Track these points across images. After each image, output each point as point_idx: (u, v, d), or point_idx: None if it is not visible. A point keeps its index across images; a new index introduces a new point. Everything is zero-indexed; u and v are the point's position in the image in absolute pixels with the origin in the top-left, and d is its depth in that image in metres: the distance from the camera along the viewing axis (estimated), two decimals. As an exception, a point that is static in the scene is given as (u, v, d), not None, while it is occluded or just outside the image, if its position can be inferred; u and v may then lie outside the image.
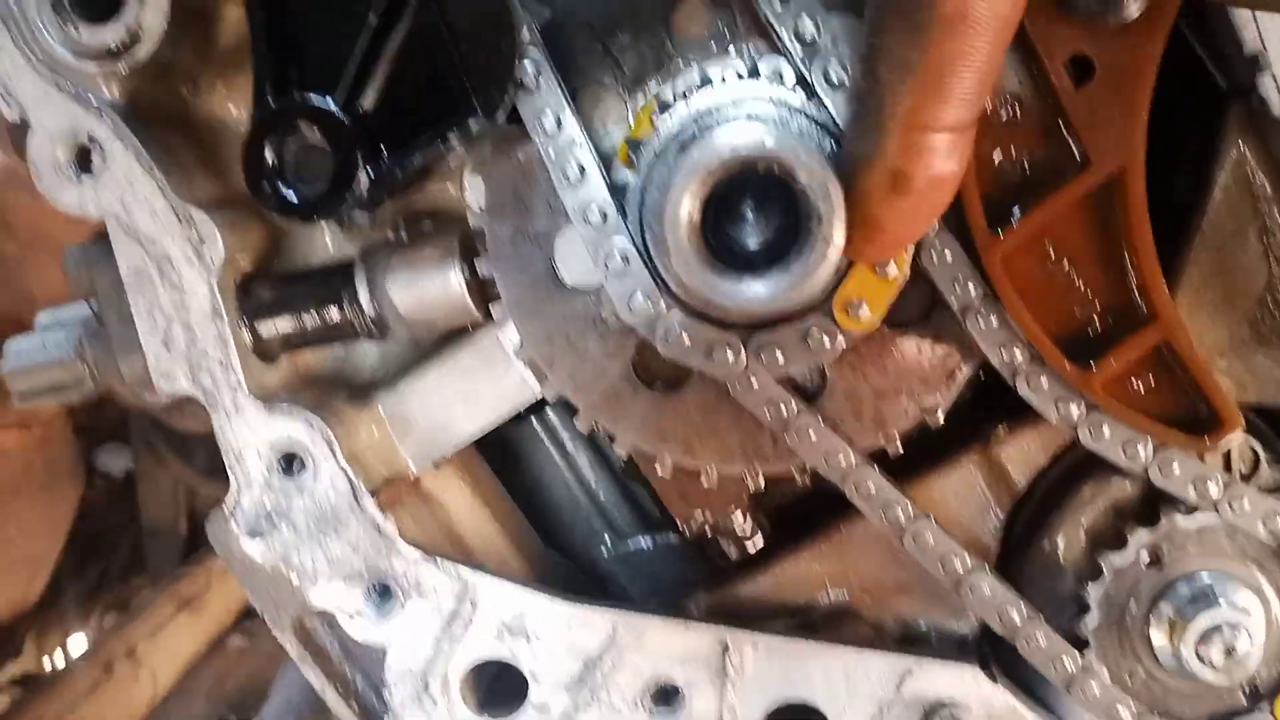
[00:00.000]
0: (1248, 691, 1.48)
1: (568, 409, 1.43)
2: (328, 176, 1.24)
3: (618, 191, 1.27)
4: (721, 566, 1.68)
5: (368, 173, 1.23)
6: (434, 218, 1.49)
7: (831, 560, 1.57)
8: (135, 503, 3.92)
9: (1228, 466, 1.47)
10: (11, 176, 2.62)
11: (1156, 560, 1.46)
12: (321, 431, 1.41)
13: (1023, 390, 1.35)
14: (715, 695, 1.45)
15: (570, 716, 1.46)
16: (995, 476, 1.53)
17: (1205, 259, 1.41)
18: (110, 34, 1.35)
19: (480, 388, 1.54)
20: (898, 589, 1.56)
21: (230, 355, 1.40)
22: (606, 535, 1.91)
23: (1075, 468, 1.51)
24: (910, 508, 1.40)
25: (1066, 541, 1.51)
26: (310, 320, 1.43)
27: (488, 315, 1.44)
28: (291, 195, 1.26)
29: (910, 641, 1.57)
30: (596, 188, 1.26)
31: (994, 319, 1.31)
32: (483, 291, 1.44)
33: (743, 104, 1.22)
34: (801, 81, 1.24)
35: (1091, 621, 1.47)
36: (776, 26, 1.23)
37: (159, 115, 1.43)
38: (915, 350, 1.37)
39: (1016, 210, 1.29)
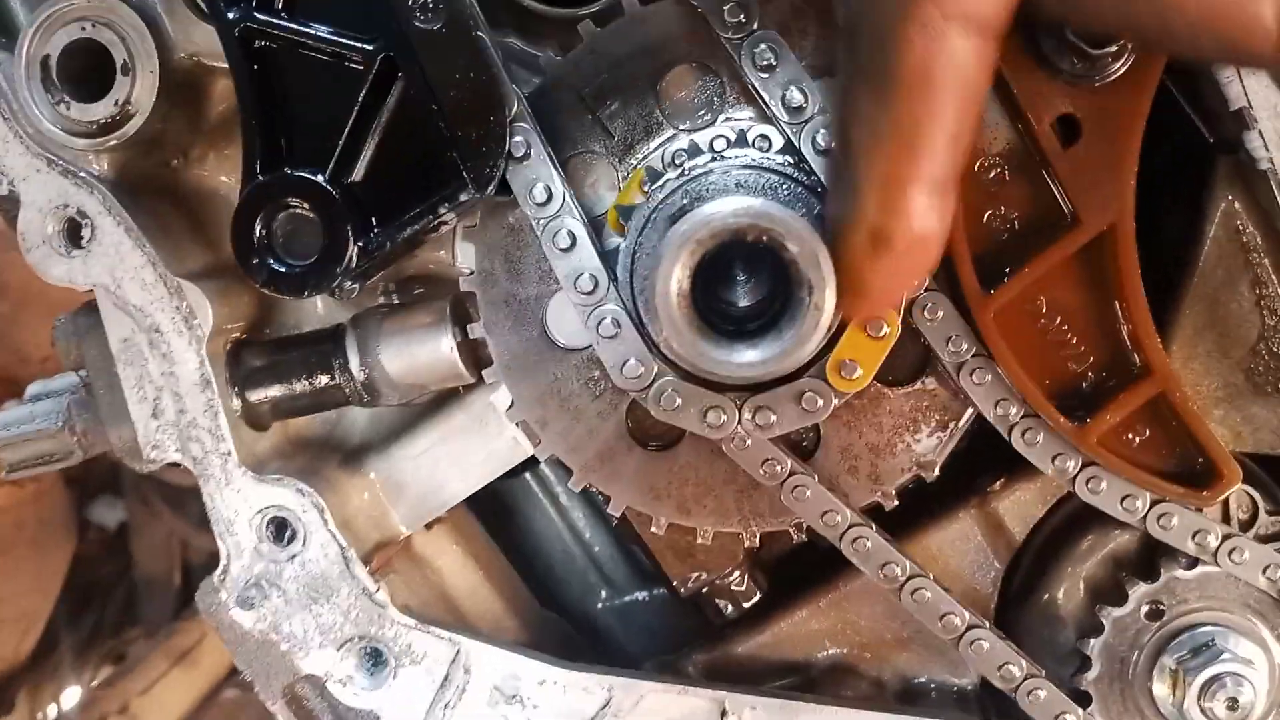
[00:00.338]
0: (1251, 743, 1.47)
1: (562, 467, 1.43)
2: (317, 250, 1.24)
3: (608, 257, 1.27)
4: (718, 624, 1.67)
5: (358, 246, 1.23)
6: (425, 281, 1.50)
7: (830, 616, 1.57)
8: (129, 555, 3.90)
9: (1226, 515, 1.47)
10: (2, 237, 2.62)
11: (1157, 612, 1.46)
12: (312, 499, 1.41)
13: (1018, 445, 1.35)
14: (715, 758, 1.44)
15: (568, 783, 1.45)
16: (993, 529, 1.54)
17: (1198, 310, 1.41)
18: (101, 111, 1.37)
19: (472, 449, 1.54)
20: (897, 644, 1.57)
21: (220, 424, 1.39)
22: (603, 589, 1.92)
23: (1073, 520, 1.52)
24: (907, 564, 1.39)
25: (1066, 594, 1.52)
26: (301, 387, 1.43)
27: (479, 377, 1.43)
28: (281, 269, 1.26)
29: (911, 697, 1.57)
30: (587, 256, 1.26)
31: (988, 375, 1.31)
32: (474, 354, 1.44)
33: (731, 172, 1.22)
34: (789, 148, 1.24)
35: (1092, 675, 1.47)
36: (764, 94, 1.24)
37: (149, 186, 1.45)
38: (910, 406, 1.37)
39: (1008, 268, 1.29)
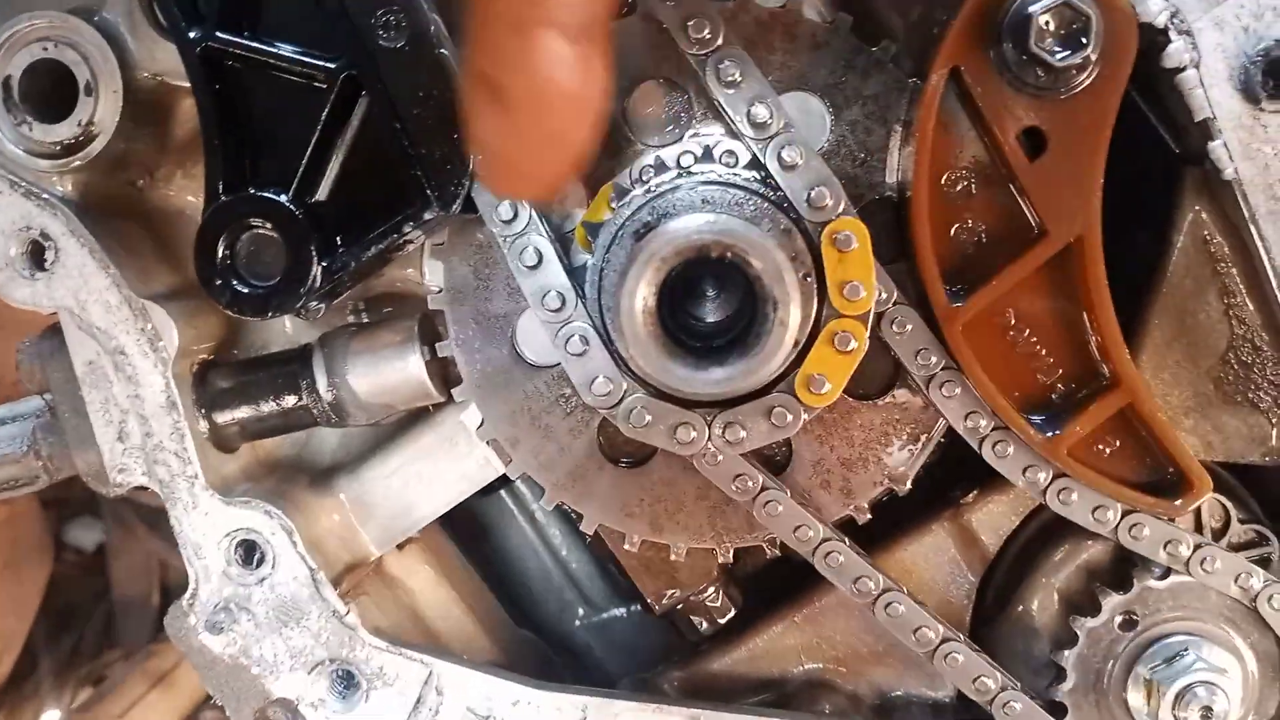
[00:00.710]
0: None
1: (536, 485, 1.43)
2: (281, 270, 1.24)
3: (576, 274, 1.27)
4: (694, 641, 1.67)
5: (322, 265, 1.23)
6: (394, 300, 1.50)
7: (804, 631, 1.57)
8: (107, 577, 3.87)
9: (1199, 525, 1.48)
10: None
11: (1131, 623, 1.46)
12: (281, 521, 1.40)
13: (989, 457, 1.35)
14: (691, 776, 1.44)
15: (543, 803, 1.44)
16: (966, 542, 1.55)
17: (1167, 320, 1.42)
18: (64, 131, 1.37)
19: (442, 469, 1.54)
20: (872, 658, 1.57)
21: (187, 447, 1.39)
22: (580, 607, 1.92)
23: (1046, 531, 1.53)
24: (880, 578, 1.39)
25: (1040, 605, 1.52)
26: (269, 408, 1.43)
27: (449, 396, 1.43)
28: (245, 290, 1.26)
29: (887, 711, 1.57)
30: (554, 273, 1.26)
31: (957, 388, 1.32)
32: (444, 373, 1.44)
33: (697, 188, 1.22)
34: (755, 163, 1.24)
35: (1067, 686, 1.47)
36: (728, 110, 1.24)
37: (114, 207, 1.44)
38: (881, 420, 1.37)
39: (976, 281, 1.29)
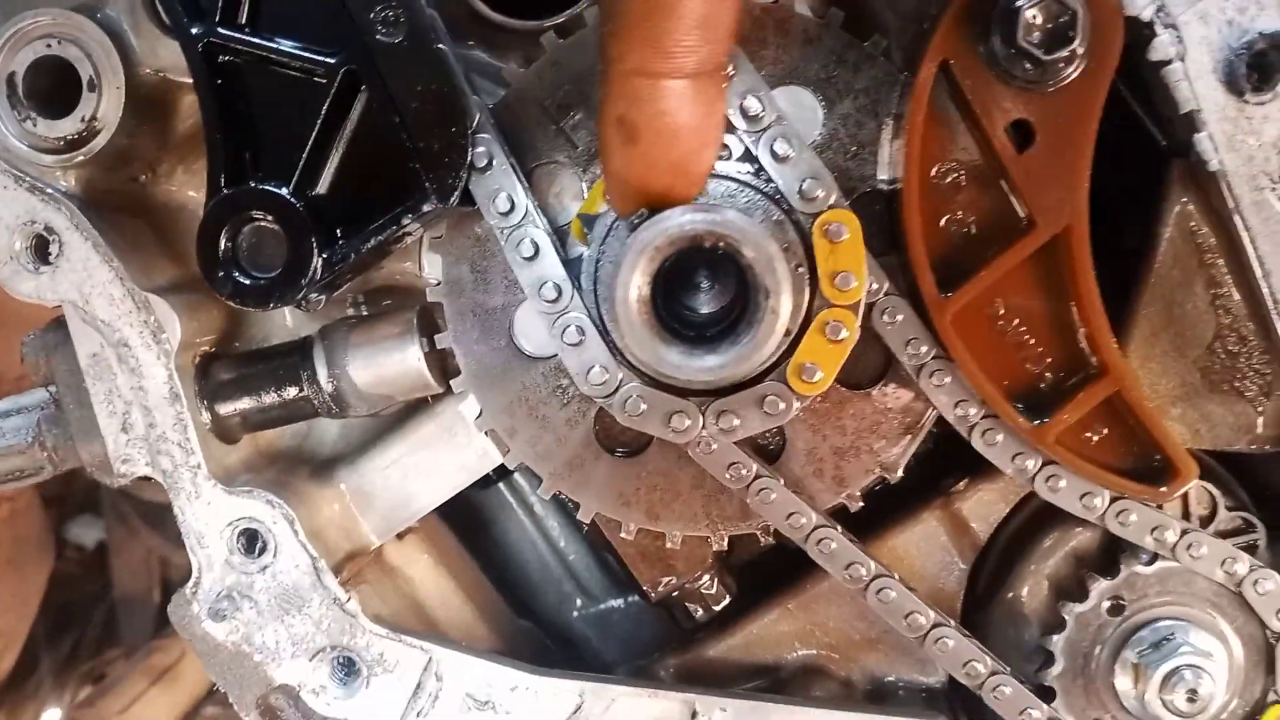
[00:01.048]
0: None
1: (533, 475, 1.45)
2: (282, 262, 1.25)
3: (572, 265, 1.29)
4: (689, 628, 1.69)
5: (322, 257, 1.25)
6: (393, 292, 1.52)
7: (799, 618, 1.60)
8: (108, 574, 3.89)
9: (1186, 512, 1.50)
10: (-26, 254, 2.61)
11: (1118, 608, 1.49)
12: (282, 511, 1.42)
13: (979, 445, 1.37)
14: (686, 761, 1.46)
15: (540, 787, 1.46)
16: (957, 529, 1.57)
17: (1155, 310, 1.43)
18: (67, 127, 1.39)
19: (441, 459, 1.56)
20: (865, 644, 1.60)
21: (190, 438, 1.41)
22: (578, 597, 1.94)
23: (1036, 518, 1.55)
24: (872, 565, 1.42)
25: (1030, 591, 1.55)
26: (270, 400, 1.44)
27: (448, 387, 1.45)
28: (246, 281, 1.27)
29: (880, 696, 1.60)
30: (551, 265, 1.28)
31: (947, 377, 1.34)
32: (442, 364, 1.46)
33: (691, 179, 1.24)
34: (748, 156, 1.26)
35: (1056, 670, 1.50)
36: (722, 104, 1.26)
37: (117, 201, 1.46)
38: (872, 409, 1.39)
39: (965, 272, 1.31)
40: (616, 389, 1.29)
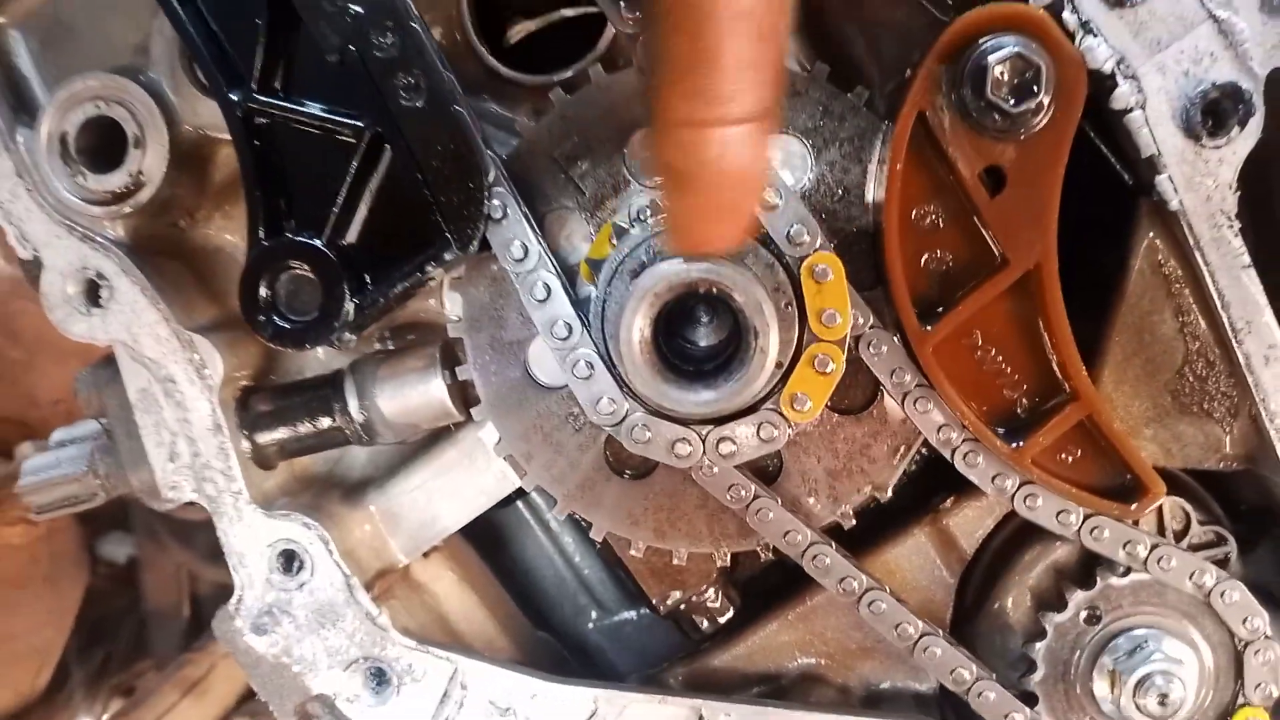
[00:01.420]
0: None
1: (549, 496, 1.53)
2: (317, 306, 1.35)
3: (581, 305, 1.37)
4: (696, 639, 1.77)
5: (354, 302, 1.34)
6: (417, 328, 1.61)
7: (798, 629, 1.66)
8: (138, 589, 3.94)
9: (1161, 527, 1.57)
10: (17, 286, 2.70)
11: (1095, 617, 1.55)
12: (318, 532, 1.51)
13: (961, 466, 1.44)
14: (694, 762, 1.54)
15: (558, 788, 1.55)
16: (945, 545, 1.64)
17: (1126, 337, 1.51)
18: (115, 181, 1.48)
19: (463, 482, 1.64)
20: (861, 653, 1.66)
21: (232, 465, 1.50)
22: (593, 610, 1.99)
23: (1018, 534, 1.62)
24: (864, 578, 1.49)
25: (1014, 602, 1.62)
26: (305, 429, 1.54)
27: (469, 416, 1.54)
28: (285, 325, 1.37)
29: (875, 702, 1.66)
30: (561, 306, 1.36)
31: (930, 404, 1.41)
32: (463, 394, 1.54)
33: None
34: (740, 204, 1.35)
35: (1038, 676, 1.57)
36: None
37: (159, 246, 1.56)
38: (862, 433, 1.47)
39: (944, 306, 1.39)
40: (624, 418, 1.37)
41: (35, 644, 3.42)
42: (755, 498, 1.44)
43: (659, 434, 1.38)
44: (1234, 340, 1.42)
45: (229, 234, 1.61)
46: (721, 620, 1.76)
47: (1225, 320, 1.42)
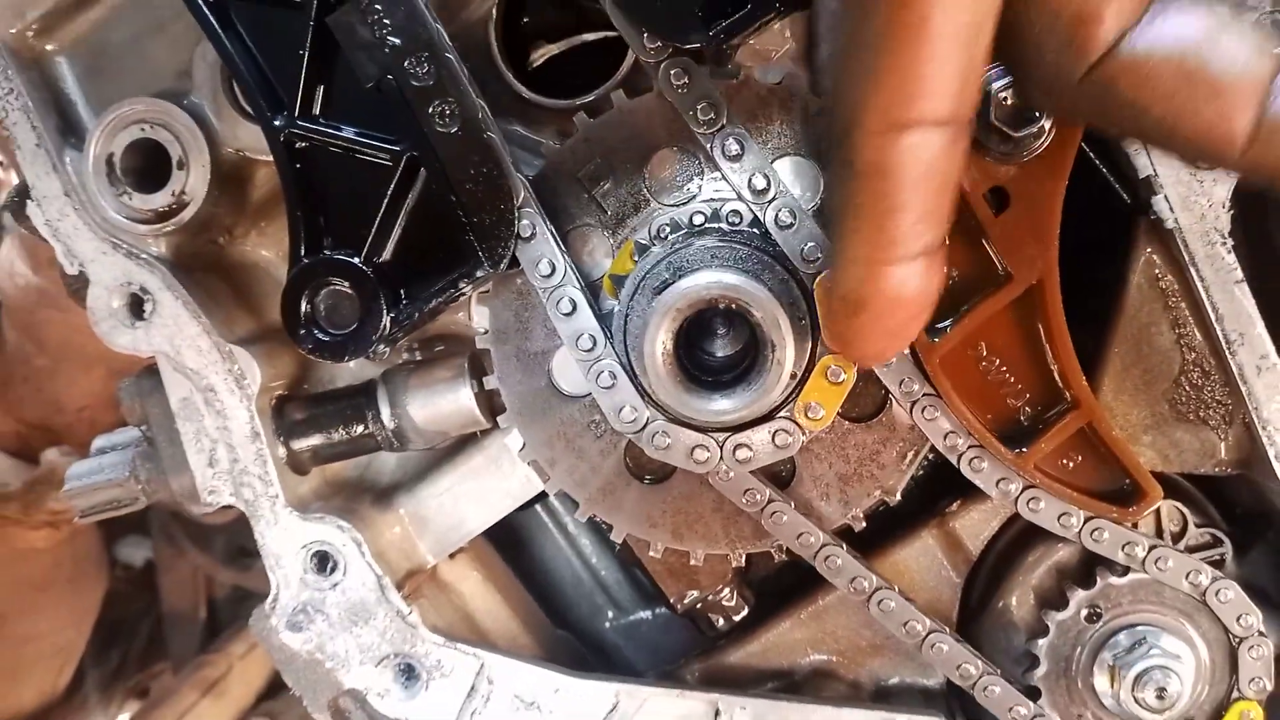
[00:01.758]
0: (1183, 728, 1.62)
1: (569, 500, 1.58)
2: (355, 321, 1.41)
3: (604, 319, 1.43)
4: (712, 637, 1.83)
5: (390, 317, 1.40)
6: (446, 340, 1.67)
7: (810, 627, 1.72)
8: (155, 591, 3.99)
9: (1159, 529, 1.63)
10: (43, 295, 2.76)
11: (1095, 615, 1.61)
12: (351, 534, 1.57)
13: (966, 472, 1.49)
14: (710, 754, 1.60)
15: (580, 778, 1.61)
16: (951, 546, 1.69)
17: (1125, 349, 1.56)
18: (159, 200, 1.54)
19: (489, 487, 1.70)
20: (871, 650, 1.72)
21: (269, 471, 1.56)
22: (610, 610, 2.06)
23: (1021, 536, 1.67)
24: (874, 578, 1.55)
25: (1018, 601, 1.66)
26: (339, 436, 1.60)
27: (495, 423, 1.59)
28: (325, 338, 1.43)
29: (885, 697, 1.72)
30: (585, 319, 1.42)
31: (937, 412, 1.46)
32: (490, 403, 1.60)
33: (708, 245, 1.40)
34: (756, 223, 1.41)
35: (1041, 672, 1.62)
36: (732, 179, 1.40)
37: (200, 262, 1.62)
38: (873, 440, 1.52)
39: (951, 319, 1.45)
40: (645, 426, 1.42)
41: (58, 644, 3.46)
42: (770, 501, 1.49)
43: (678, 441, 1.43)
44: (1228, 351, 1.47)
45: (265, 250, 1.67)
46: (736, 618, 1.82)
47: (1219, 332, 1.47)
